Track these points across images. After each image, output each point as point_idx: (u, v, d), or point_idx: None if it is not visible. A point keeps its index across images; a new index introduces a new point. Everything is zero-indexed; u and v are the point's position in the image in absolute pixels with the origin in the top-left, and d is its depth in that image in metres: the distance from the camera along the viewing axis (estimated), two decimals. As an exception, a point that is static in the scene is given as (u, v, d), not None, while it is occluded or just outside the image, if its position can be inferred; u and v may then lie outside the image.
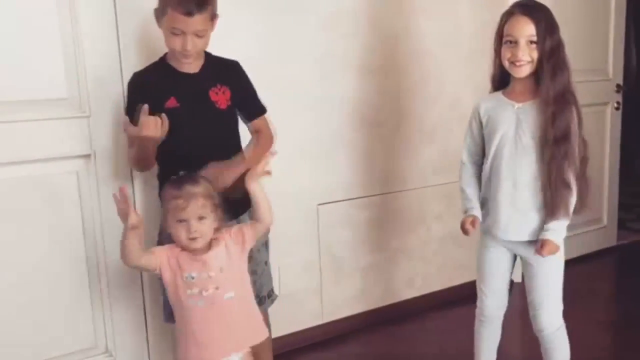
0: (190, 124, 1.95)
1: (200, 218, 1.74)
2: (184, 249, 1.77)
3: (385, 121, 2.84)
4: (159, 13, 1.92)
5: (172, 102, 1.95)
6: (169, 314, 1.98)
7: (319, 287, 2.75)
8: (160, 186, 2.05)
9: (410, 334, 2.84)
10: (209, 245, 1.79)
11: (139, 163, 2.04)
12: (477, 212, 2.05)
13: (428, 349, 2.70)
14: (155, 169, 2.06)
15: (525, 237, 1.99)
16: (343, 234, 2.79)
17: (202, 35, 1.91)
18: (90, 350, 2.25)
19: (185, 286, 1.76)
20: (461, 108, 2.95)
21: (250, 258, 2.09)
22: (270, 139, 2.15)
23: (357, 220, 2.82)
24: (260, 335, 1.92)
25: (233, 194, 1.94)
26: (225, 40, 2.06)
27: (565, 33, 1.96)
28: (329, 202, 2.72)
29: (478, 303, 2.16)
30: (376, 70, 2.77)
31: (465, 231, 2.04)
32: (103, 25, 2.12)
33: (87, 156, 2.16)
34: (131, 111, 1.92)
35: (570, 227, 2.00)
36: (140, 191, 2.25)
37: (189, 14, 1.84)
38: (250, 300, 1.90)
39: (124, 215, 1.71)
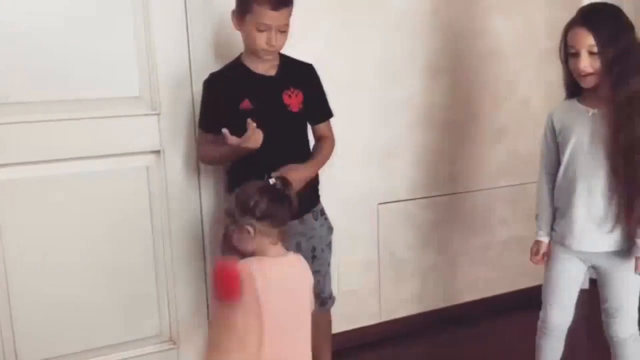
0: (262, 125, 1.93)
1: None
2: None
3: (452, 122, 2.80)
4: (241, 11, 1.94)
5: (245, 104, 1.99)
6: None
7: (378, 287, 2.75)
8: (228, 182, 2.11)
9: (469, 338, 2.80)
10: None
11: (219, 163, 2.14)
12: (545, 237, 2.03)
13: (487, 354, 2.65)
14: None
15: (604, 247, 1.92)
16: (404, 234, 2.78)
17: (285, 30, 1.95)
18: (153, 339, 2.35)
19: None
20: (532, 109, 2.89)
21: (315, 258, 2.13)
22: (333, 143, 2.18)
23: (418, 220, 2.80)
24: None
25: (302, 192, 1.99)
26: (295, 39, 2.07)
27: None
28: (390, 202, 2.71)
29: (541, 314, 2.09)
30: (445, 71, 2.73)
31: (533, 260, 2.07)
32: (174, 28, 2.18)
33: (157, 152, 2.23)
34: (207, 110, 2.02)
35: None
36: (205, 186, 2.31)
37: (276, 8, 1.88)
38: None
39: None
